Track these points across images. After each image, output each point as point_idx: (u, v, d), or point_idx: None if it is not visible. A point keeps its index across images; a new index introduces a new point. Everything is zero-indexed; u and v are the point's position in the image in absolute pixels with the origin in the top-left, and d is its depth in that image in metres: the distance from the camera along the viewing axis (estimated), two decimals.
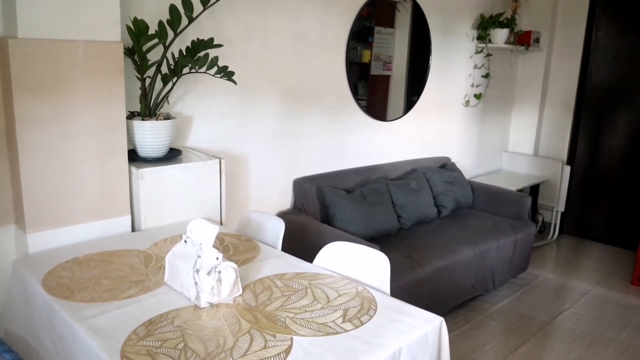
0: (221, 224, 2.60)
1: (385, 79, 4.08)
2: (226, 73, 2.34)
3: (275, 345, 1.43)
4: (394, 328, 1.54)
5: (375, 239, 3.34)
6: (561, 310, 3.63)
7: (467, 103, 4.64)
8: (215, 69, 2.35)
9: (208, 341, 1.45)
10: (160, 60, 2.40)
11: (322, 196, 3.33)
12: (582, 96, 4.99)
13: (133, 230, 2.37)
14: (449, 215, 3.97)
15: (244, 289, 1.77)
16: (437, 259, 3.17)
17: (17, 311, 1.95)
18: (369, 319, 1.59)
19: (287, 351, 1.41)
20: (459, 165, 4.61)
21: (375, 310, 1.65)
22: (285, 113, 3.26)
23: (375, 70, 3.93)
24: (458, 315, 3.48)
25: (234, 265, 1.70)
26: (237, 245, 2.18)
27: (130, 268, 1.93)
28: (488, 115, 4.98)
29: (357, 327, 1.54)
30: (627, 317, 3.59)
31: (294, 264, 2.00)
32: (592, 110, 4.98)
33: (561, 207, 4.99)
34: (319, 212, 3.35)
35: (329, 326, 1.54)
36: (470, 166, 4.90)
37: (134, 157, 2.43)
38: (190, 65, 2.36)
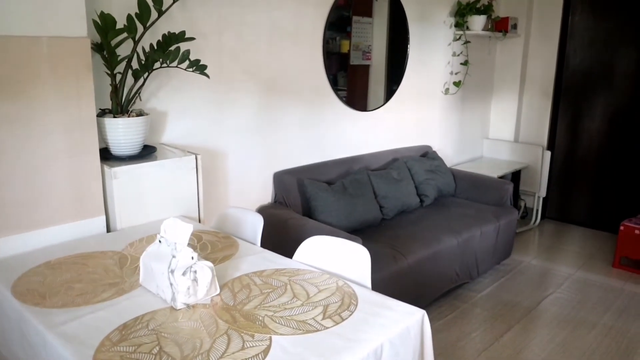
0: (199, 221, 2.55)
1: (365, 69, 4.04)
2: (198, 67, 2.28)
3: (253, 346, 1.39)
4: (375, 323, 1.51)
5: (357, 231, 3.31)
6: (545, 295, 3.65)
7: (446, 91, 4.62)
8: (187, 62, 2.28)
9: (184, 344, 1.41)
10: (131, 55, 2.33)
11: (303, 189, 3.29)
12: (560, 81, 5.01)
13: (108, 230, 2.31)
14: (432, 204, 3.95)
15: (221, 287, 1.72)
16: (421, 249, 3.15)
17: None
18: (350, 315, 1.56)
19: (266, 351, 1.37)
20: (440, 154, 4.60)
21: (356, 305, 1.62)
22: (263, 106, 3.21)
23: (355, 60, 3.89)
24: (443, 305, 3.48)
25: (210, 264, 1.65)
26: (215, 243, 2.13)
27: (104, 270, 1.87)
28: (468, 103, 4.97)
29: (337, 323, 1.51)
30: (609, 299, 3.62)
31: (273, 260, 1.96)
32: (570, 95, 5.00)
33: (543, 193, 5.02)
34: (301, 205, 3.31)
35: (308, 324, 1.51)
36: (451, 154, 4.90)
37: (107, 155, 2.37)
38: (161, 59, 2.29)
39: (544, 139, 5.09)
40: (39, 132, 2.03)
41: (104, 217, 2.28)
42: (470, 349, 2.98)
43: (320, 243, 2.01)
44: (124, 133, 2.34)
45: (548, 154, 4.94)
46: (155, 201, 2.39)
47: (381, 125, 4.08)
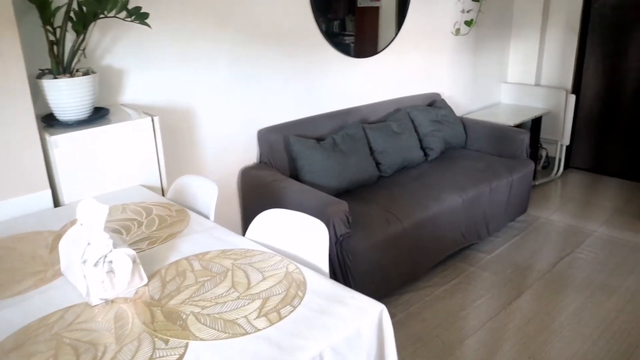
0: (162, 191, 2.30)
1: (375, 11, 3.65)
2: (138, 16, 1.97)
3: (163, 356, 1.15)
4: (319, 323, 1.25)
5: (350, 192, 3.03)
6: (562, 256, 3.33)
7: (457, 31, 4.18)
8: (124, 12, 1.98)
9: (84, 353, 1.18)
10: (68, 7, 2.03)
11: (289, 147, 3.00)
12: (588, 14, 4.48)
13: (56, 206, 2.08)
14: (438, 158, 3.62)
15: (153, 275, 1.48)
16: (419, 210, 2.85)
17: None
18: (291, 311, 1.30)
19: None
20: (451, 101, 4.22)
21: (302, 298, 1.36)
22: (241, 56, 2.89)
23: (363, 1, 3.50)
24: (447, 268, 3.21)
25: (130, 252, 1.40)
26: (164, 218, 1.88)
27: (31, 256, 1.65)
28: (482, 44, 4.52)
29: (272, 323, 1.25)
30: (635, 260, 3.27)
31: (222, 239, 1.70)
32: (599, 31, 4.48)
33: (566, 141, 4.59)
34: (287, 165, 3.03)
35: (238, 324, 1.25)
36: (464, 102, 4.50)
37: (52, 122, 2.12)
38: (99, 10, 1.99)
39: (569, 81, 4.62)
40: None
41: (49, 191, 2.05)
42: (472, 320, 2.72)
43: (276, 217, 1.74)
44: (68, 95, 2.07)
45: (573, 97, 4.48)
46: (110, 171, 2.15)
47: (381, 72, 3.71)
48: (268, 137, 3.05)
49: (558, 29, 4.58)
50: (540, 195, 4.31)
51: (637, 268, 3.17)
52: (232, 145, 2.98)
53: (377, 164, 3.24)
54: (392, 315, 2.74)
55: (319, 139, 3.10)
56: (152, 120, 2.22)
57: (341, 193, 3.01)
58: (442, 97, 4.11)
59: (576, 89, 4.63)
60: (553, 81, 4.70)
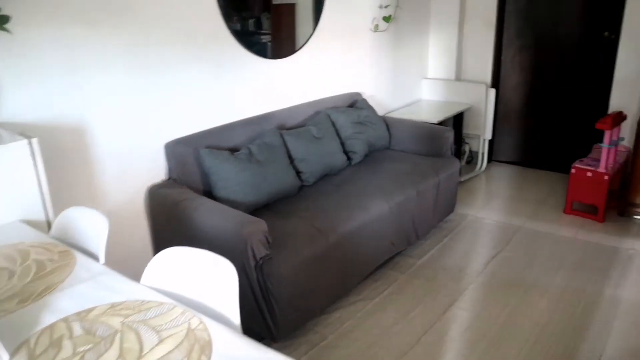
0: (48, 225, 1.97)
1: (291, 9, 3.41)
2: None
3: None
4: None
5: (270, 206, 2.80)
6: (492, 255, 3.25)
7: (376, 28, 4.03)
8: None
9: None
10: None
11: (200, 160, 2.72)
12: (503, 8, 4.48)
13: None
14: (362, 162, 3.45)
15: (18, 348, 1.18)
16: (344, 222, 2.66)
17: None
18: None
19: None
20: (374, 100, 4.07)
21: None
22: (141, 62, 2.56)
23: None
24: (378, 278, 3.04)
25: None
26: (43, 264, 1.57)
27: None
28: (402, 40, 4.41)
29: None
30: (561, 254, 3.25)
31: (112, 288, 1.42)
32: (515, 25, 4.49)
33: (488, 135, 4.58)
34: (200, 180, 2.75)
35: None
36: (386, 100, 4.37)
37: None
38: None
39: (488, 75, 4.61)
40: None
41: None
42: (407, 334, 2.56)
43: (178, 256, 1.47)
44: None
45: (492, 92, 4.47)
46: None
47: (299, 73, 3.49)
48: (176, 151, 2.75)
49: (475, 23, 4.55)
50: (466, 191, 4.26)
51: (564, 263, 3.14)
52: (135, 162, 2.66)
53: (298, 172, 3.02)
54: (323, 338, 2.54)
55: (234, 150, 2.84)
56: (30, 143, 1.89)
57: (260, 208, 2.77)
58: (364, 96, 3.95)
59: (495, 82, 4.63)
60: (473, 76, 4.68)
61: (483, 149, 4.65)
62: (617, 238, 3.42)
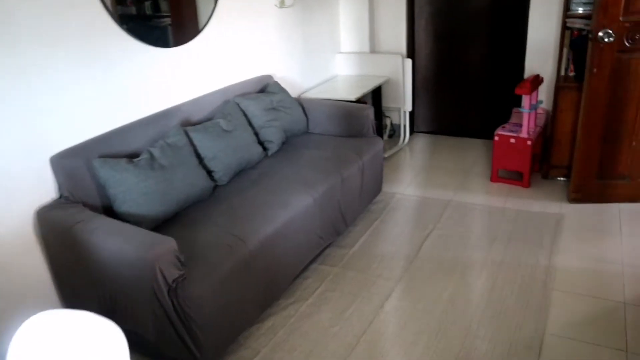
0: None
1: None
2: None
3: None
4: None
5: (180, 215, 2.50)
6: (425, 236, 3.12)
7: (281, 3, 3.74)
8: None
9: None
10: None
11: (94, 172, 2.37)
12: None
13: None
14: (279, 151, 3.19)
15: None
16: (266, 223, 2.41)
17: None
18: None
19: None
20: (286, 81, 3.80)
21: None
22: (5, 65, 2.15)
23: None
24: (309, 275, 2.83)
25: None
26: None
27: None
28: (311, 15, 4.14)
29: None
30: (493, 225, 3.18)
31: None
32: None
33: (408, 107, 4.44)
34: (97, 196, 2.39)
35: None
36: (300, 79, 4.11)
37: None
38: None
39: (403, 45, 4.45)
40: None
41: None
42: (346, 335, 2.37)
43: (51, 324, 1.17)
44: None
45: (409, 62, 4.31)
46: None
47: (202, 59, 3.15)
48: (64, 164, 2.37)
49: None
50: (391, 167, 4.12)
51: (497, 235, 3.07)
52: (17, 181, 2.25)
53: (210, 172, 2.72)
54: (255, 352, 2.31)
55: (133, 155, 2.49)
56: None
57: (170, 219, 2.46)
58: (275, 78, 3.67)
59: (411, 52, 4.48)
60: (388, 47, 4.50)
61: (404, 122, 4.51)
62: (545, 202, 3.40)
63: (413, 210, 3.45)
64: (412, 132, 4.69)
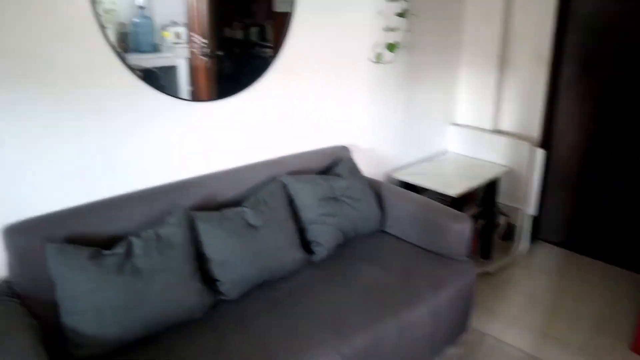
0: None
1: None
2: None
3: None
4: None
5: (150, 341, 1.75)
6: None
7: (378, 58, 2.93)
8: None
9: None
10: None
11: (47, 262, 1.72)
12: (562, 39, 3.27)
13: None
14: (330, 258, 2.34)
15: None
16: None
17: None
18: None
19: None
20: (373, 155, 3.00)
21: None
22: None
23: (281, 5, 2.38)
24: None
25: None
26: None
27: None
28: (419, 74, 3.27)
29: None
30: None
31: None
32: (578, 62, 3.27)
33: (531, 210, 3.36)
34: (53, 289, 1.74)
35: None
36: (394, 153, 3.25)
37: None
38: None
39: (535, 130, 3.41)
40: None
41: None
42: None
43: None
44: None
45: (540, 153, 3.25)
46: None
47: (248, 117, 2.43)
48: (17, 242, 1.76)
49: (523, 55, 3.37)
50: (493, 287, 3.07)
51: None
52: None
53: (213, 282, 1.96)
54: None
55: (113, 241, 1.83)
56: None
57: (132, 344, 1.72)
58: (356, 151, 2.86)
59: (545, 140, 3.41)
60: (515, 128, 3.49)
61: (525, 226, 3.43)
62: None
63: None
64: (534, 238, 3.58)
